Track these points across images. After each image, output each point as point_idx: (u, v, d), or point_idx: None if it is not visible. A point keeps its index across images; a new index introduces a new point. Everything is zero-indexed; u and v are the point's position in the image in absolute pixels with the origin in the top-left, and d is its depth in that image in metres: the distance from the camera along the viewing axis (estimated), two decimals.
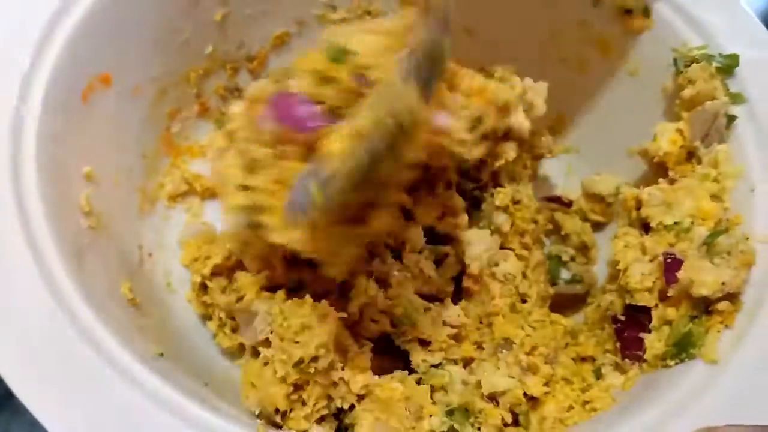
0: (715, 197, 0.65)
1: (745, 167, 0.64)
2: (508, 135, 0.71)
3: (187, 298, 0.72)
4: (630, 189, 0.72)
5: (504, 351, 0.65)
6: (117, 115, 0.71)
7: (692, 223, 0.63)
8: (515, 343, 0.66)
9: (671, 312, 0.61)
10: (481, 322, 0.69)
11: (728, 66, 0.68)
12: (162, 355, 0.59)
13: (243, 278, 0.66)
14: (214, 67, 0.82)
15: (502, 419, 0.60)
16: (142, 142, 0.75)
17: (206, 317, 0.71)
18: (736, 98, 0.68)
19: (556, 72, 0.81)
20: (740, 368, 0.54)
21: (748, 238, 0.60)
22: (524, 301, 0.71)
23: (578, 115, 0.82)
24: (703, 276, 0.58)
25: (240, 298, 0.65)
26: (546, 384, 0.63)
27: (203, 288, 0.70)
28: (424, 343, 0.66)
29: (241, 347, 0.68)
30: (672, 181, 0.68)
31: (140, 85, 0.74)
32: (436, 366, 0.65)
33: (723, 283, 0.58)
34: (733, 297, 0.59)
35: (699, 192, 0.65)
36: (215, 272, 0.69)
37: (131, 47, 0.72)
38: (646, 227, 0.67)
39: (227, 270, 0.69)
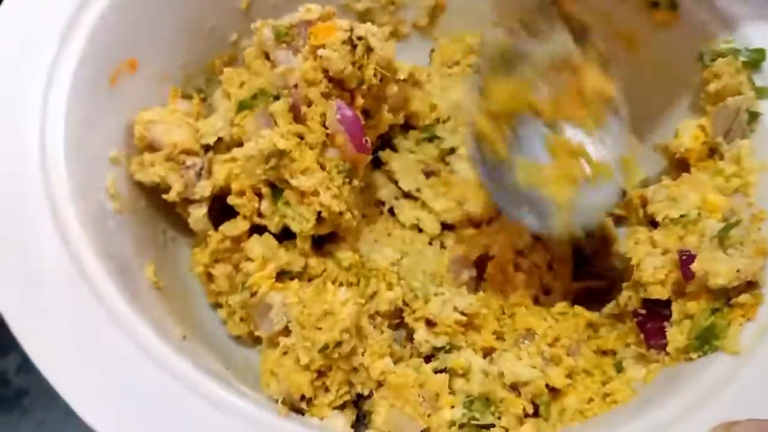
0: (738, 191, 0.65)
1: None
2: None
3: None
4: (635, 189, 0.72)
5: (526, 342, 0.65)
6: (143, 101, 0.72)
7: (699, 214, 0.63)
8: (537, 334, 0.66)
9: (692, 306, 0.61)
10: (503, 313, 0.69)
11: (755, 60, 0.68)
12: (185, 337, 0.59)
13: (252, 270, 0.66)
14: (238, 55, 0.83)
15: (524, 409, 0.60)
16: None
17: (217, 305, 0.72)
18: (762, 92, 0.67)
19: None
20: (763, 361, 0.54)
21: (760, 228, 0.60)
22: (547, 293, 0.71)
23: None
24: (718, 266, 0.58)
25: (254, 294, 0.65)
26: (568, 376, 0.63)
27: (209, 277, 0.70)
28: (431, 324, 0.67)
29: (251, 335, 0.68)
30: (677, 177, 0.69)
31: (167, 72, 0.75)
32: (439, 349, 0.66)
33: (738, 271, 0.57)
34: (752, 288, 0.59)
35: (705, 186, 0.65)
36: (217, 259, 0.69)
37: (158, 34, 0.72)
38: (654, 224, 0.67)
39: (228, 254, 0.69)
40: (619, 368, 0.65)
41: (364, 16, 0.88)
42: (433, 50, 0.87)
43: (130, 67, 0.70)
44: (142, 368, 0.52)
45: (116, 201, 0.65)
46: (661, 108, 0.77)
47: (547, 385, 0.62)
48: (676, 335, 0.60)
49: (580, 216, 0.63)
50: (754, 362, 0.54)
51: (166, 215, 0.73)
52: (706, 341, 0.57)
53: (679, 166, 0.72)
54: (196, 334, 0.64)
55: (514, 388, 0.62)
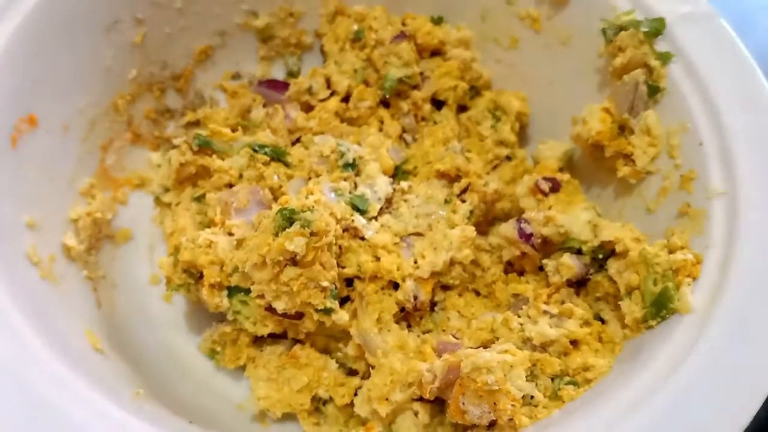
0: (663, 155, 0.68)
1: (690, 123, 0.66)
2: None
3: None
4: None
5: (523, 307, 0.66)
6: (49, 156, 0.67)
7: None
8: (528, 298, 0.66)
9: (634, 279, 0.62)
10: (478, 294, 0.70)
11: (656, 29, 0.70)
12: (140, 393, 0.57)
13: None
14: (140, 91, 0.79)
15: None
16: (78, 179, 0.72)
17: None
18: (664, 57, 0.69)
19: (491, 52, 0.83)
20: (723, 317, 0.55)
21: (690, 190, 0.64)
22: (511, 264, 0.72)
23: (518, 90, 0.82)
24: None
25: None
26: (582, 325, 0.63)
27: None
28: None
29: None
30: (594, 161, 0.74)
31: (68, 120, 0.70)
32: None
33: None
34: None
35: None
36: None
37: (52, 82, 0.68)
38: None
39: None
40: (601, 320, 0.67)
41: (264, 32, 0.85)
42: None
43: (30, 123, 0.65)
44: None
45: (41, 267, 0.60)
46: (573, 82, 0.78)
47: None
48: (631, 306, 0.61)
49: None
50: (714, 320, 0.55)
51: (93, 273, 0.69)
52: (662, 306, 0.58)
53: (594, 150, 0.73)
54: (153, 392, 0.60)
55: (543, 349, 0.62)
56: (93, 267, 0.70)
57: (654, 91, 0.69)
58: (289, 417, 0.66)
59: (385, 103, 0.81)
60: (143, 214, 0.77)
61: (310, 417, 0.66)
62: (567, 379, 0.60)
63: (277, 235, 0.60)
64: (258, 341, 0.68)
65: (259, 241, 0.60)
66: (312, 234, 0.60)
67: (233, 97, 0.84)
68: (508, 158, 0.80)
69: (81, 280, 0.67)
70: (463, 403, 0.56)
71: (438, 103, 0.82)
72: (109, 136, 0.76)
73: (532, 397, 0.58)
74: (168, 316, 0.72)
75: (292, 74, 0.87)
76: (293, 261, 0.60)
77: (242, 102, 0.82)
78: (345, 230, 0.65)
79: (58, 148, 0.69)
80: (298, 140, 0.77)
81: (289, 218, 0.60)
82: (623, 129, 0.71)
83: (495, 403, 0.55)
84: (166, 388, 0.65)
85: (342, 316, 0.63)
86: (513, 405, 0.55)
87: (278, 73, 0.87)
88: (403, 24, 0.81)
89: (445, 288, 0.69)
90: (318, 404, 0.67)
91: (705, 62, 0.68)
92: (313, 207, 0.61)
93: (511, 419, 0.55)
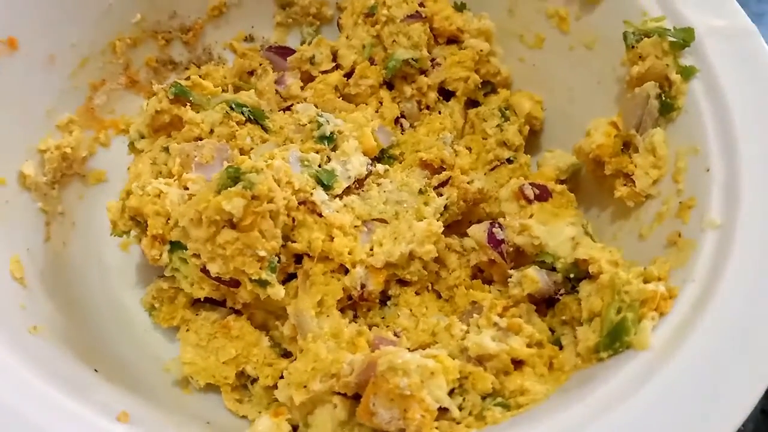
0: (666, 179, 0.61)
1: (700, 146, 0.59)
2: None
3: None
4: None
5: (474, 315, 0.59)
6: (27, 83, 0.66)
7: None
8: (484, 307, 0.60)
9: (598, 304, 0.56)
10: (439, 297, 0.64)
11: (684, 40, 0.63)
12: (36, 328, 0.55)
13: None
14: (143, 37, 0.77)
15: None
16: (57, 112, 0.70)
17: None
18: (687, 72, 0.62)
19: (515, 49, 0.78)
20: (682, 360, 0.48)
21: (687, 220, 0.58)
22: (481, 271, 0.66)
23: (537, 93, 0.76)
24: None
25: None
26: (530, 345, 0.57)
27: None
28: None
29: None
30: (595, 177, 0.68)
31: (56, 52, 0.69)
32: None
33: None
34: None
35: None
36: None
37: (44, 11, 0.67)
38: None
39: None
40: (559, 345, 0.60)
41: (284, 3, 0.82)
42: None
43: (9, 46, 0.64)
44: None
45: None
46: (595, 89, 0.72)
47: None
48: (587, 333, 0.55)
49: None
50: (672, 361, 0.48)
51: (50, 208, 0.67)
52: (616, 338, 0.52)
53: (596, 166, 0.67)
54: (67, 334, 0.58)
55: (480, 362, 0.56)
56: (52, 201, 0.68)
57: (667, 108, 0.62)
58: (213, 389, 0.62)
59: (390, 85, 0.76)
60: (124, 159, 0.74)
61: (233, 392, 0.62)
62: (499, 400, 0.54)
63: (219, 193, 0.57)
64: (196, 304, 0.65)
65: (200, 197, 0.57)
66: (253, 197, 0.56)
67: (242, 58, 0.81)
68: (510, 161, 0.74)
69: (33, 210, 0.66)
70: (374, 404, 0.50)
71: (448, 94, 0.78)
72: (101, 76, 0.75)
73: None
74: (121, 265, 0.70)
75: None
76: (231, 223, 0.57)
77: (244, 63, 0.79)
78: (302, 203, 0.61)
79: (38, 77, 0.68)
80: (289, 108, 0.74)
81: (234, 177, 0.57)
82: (628, 146, 0.65)
83: (405, 410, 0.50)
84: (95, 334, 0.63)
85: (278, 291, 0.58)
86: (423, 416, 0.49)
87: (294, 42, 0.84)
88: (421, 5, 0.76)
89: (403, 283, 0.64)
90: (246, 381, 0.63)
91: (731, 82, 0.61)
92: (261, 169, 0.57)
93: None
